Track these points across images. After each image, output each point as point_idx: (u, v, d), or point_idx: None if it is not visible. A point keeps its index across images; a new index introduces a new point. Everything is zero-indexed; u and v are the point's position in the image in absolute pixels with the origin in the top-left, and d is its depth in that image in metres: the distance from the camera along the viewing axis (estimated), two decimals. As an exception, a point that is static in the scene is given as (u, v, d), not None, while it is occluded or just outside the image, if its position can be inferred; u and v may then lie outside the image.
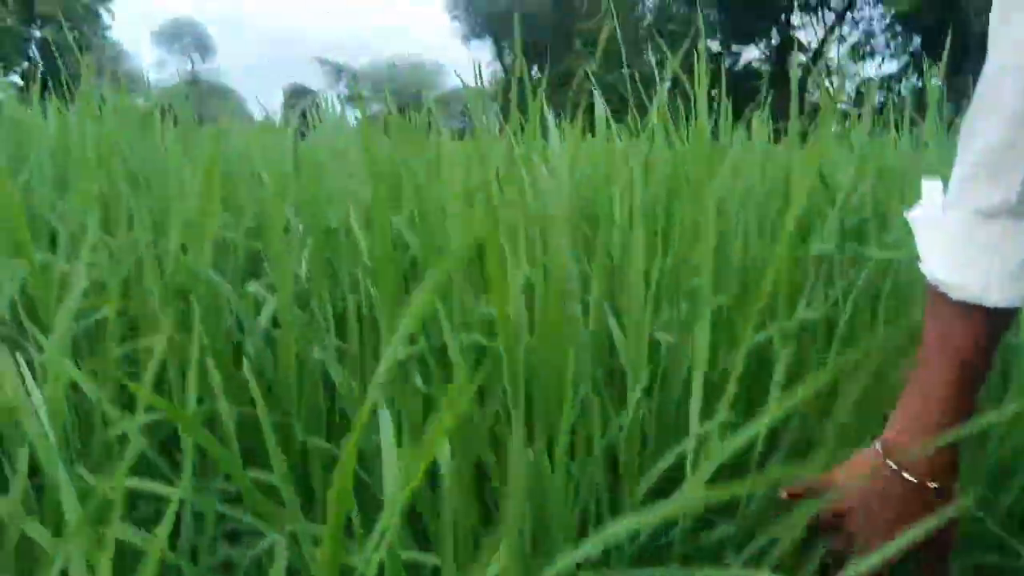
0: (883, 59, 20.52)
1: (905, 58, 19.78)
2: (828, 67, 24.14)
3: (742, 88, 25.52)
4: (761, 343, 0.95)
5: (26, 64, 38.35)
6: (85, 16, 37.22)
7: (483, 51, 41.90)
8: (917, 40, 19.02)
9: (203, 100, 62.69)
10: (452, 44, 60.42)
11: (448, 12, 39.46)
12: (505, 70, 39.95)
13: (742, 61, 26.84)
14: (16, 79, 39.18)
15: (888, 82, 20.07)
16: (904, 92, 18.88)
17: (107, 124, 1.56)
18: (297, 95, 66.50)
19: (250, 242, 1.35)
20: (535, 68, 36.41)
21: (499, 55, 40.19)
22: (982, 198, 0.56)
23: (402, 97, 69.00)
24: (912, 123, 1.82)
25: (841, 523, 0.62)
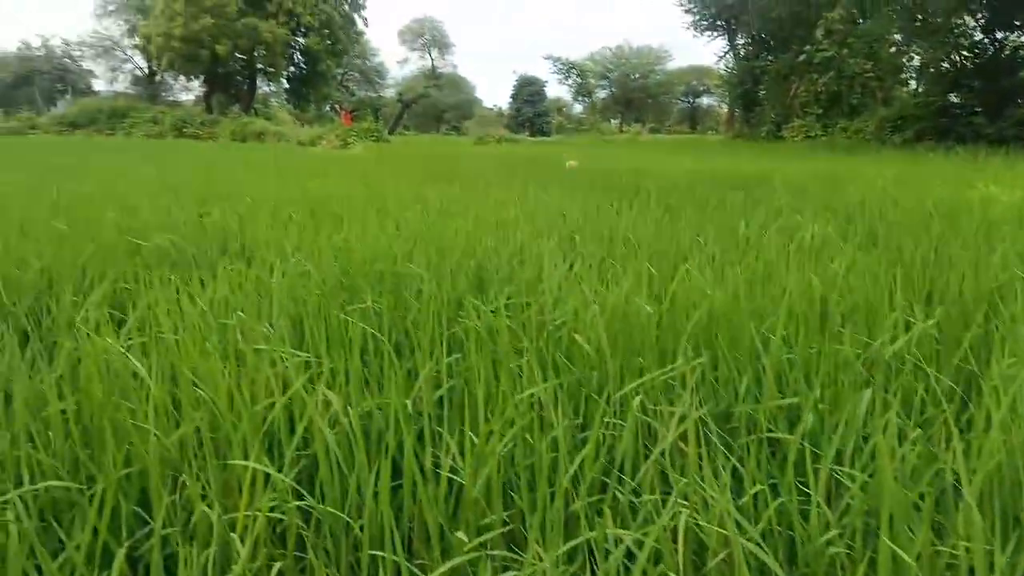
0: None
1: None
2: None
3: (1006, 80, 22.98)
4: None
5: (292, 69, 42.74)
6: (343, 24, 40.79)
7: (717, 42, 40.86)
8: None
9: (441, 90, 66.32)
10: (680, 31, 59.41)
11: (680, 4, 38.86)
12: (738, 59, 38.78)
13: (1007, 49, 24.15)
14: (284, 83, 43.28)
15: None
16: None
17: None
18: (525, 84, 68.23)
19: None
20: (770, 58, 35.05)
21: (731, 44, 39.13)
22: None
23: (627, 82, 68.64)
24: None
25: None
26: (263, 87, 44.03)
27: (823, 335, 2.13)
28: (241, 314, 2.29)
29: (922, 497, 1.47)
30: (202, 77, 40.71)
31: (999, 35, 24.20)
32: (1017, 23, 23.39)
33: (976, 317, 2.25)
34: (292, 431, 1.65)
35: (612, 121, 72.13)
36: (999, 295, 2.63)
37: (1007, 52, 24.12)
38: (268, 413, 1.70)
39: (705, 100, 77.21)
